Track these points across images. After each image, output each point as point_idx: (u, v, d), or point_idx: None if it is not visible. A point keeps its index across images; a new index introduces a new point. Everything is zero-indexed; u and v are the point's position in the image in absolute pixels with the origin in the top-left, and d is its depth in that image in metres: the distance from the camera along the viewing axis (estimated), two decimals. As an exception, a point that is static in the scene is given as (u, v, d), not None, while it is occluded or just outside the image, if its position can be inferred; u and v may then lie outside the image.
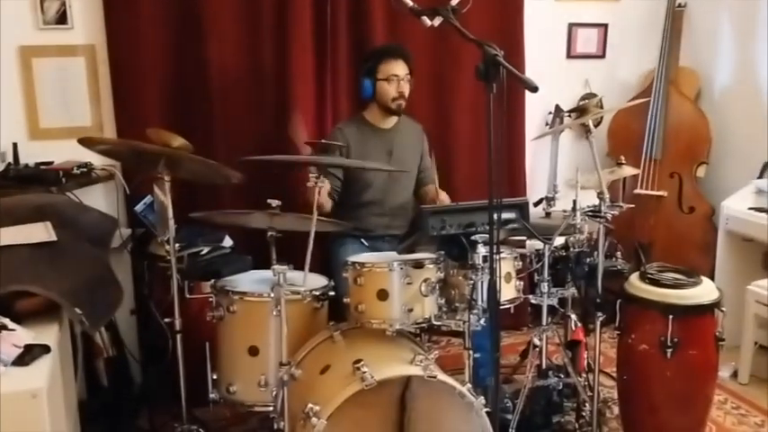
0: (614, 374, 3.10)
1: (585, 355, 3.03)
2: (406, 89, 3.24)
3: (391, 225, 3.32)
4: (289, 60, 3.47)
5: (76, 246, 2.44)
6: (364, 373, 2.14)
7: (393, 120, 3.35)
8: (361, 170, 3.11)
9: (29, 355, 1.87)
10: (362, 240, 3.27)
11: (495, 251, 2.04)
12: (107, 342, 2.95)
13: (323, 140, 2.71)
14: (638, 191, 4.06)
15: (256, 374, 2.53)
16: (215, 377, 2.63)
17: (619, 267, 2.98)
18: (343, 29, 3.57)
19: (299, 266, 2.40)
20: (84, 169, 3.10)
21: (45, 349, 1.93)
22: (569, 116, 3.92)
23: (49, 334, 2.05)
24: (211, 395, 2.62)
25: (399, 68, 3.21)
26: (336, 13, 3.53)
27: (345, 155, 3.18)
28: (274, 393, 2.40)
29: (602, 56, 4.30)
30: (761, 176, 3.81)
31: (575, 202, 2.77)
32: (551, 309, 2.86)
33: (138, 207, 3.09)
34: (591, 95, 4.19)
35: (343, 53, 3.59)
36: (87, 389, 2.88)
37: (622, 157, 3.19)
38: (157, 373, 2.92)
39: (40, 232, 2.33)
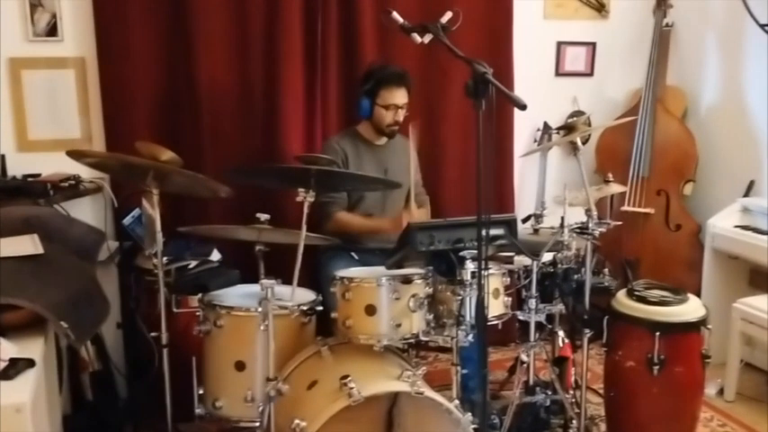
0: (601, 391, 3.10)
1: (573, 372, 3.03)
2: (402, 117, 3.27)
3: (383, 239, 3.31)
4: (278, 75, 3.48)
5: (63, 259, 2.42)
6: (351, 388, 2.13)
7: (385, 137, 3.36)
8: (357, 183, 3.12)
9: (13, 368, 1.86)
10: (353, 254, 3.27)
11: (483, 267, 2.04)
12: (92, 356, 2.93)
13: (322, 156, 2.71)
14: (625, 208, 4.08)
15: (243, 390, 2.51)
16: (201, 392, 2.60)
17: (606, 284, 3.00)
18: (334, 44, 3.58)
19: (287, 281, 2.40)
20: (73, 182, 3.08)
21: (29, 363, 1.91)
22: (557, 133, 3.94)
23: (33, 347, 2.03)
24: (197, 410, 2.59)
25: (400, 97, 3.23)
26: (326, 29, 3.54)
27: (344, 168, 3.20)
28: (261, 409, 2.38)
29: (591, 74, 4.33)
30: (747, 195, 3.84)
31: (562, 218, 2.78)
32: (539, 325, 2.87)
33: (126, 220, 3.08)
34: (579, 113, 4.22)
35: (333, 69, 3.60)
36: (72, 403, 2.86)
37: (610, 175, 3.22)
38: (143, 388, 2.89)
39: (27, 245, 2.31)
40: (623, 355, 2.79)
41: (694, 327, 2.74)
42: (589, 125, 4.00)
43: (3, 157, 3.14)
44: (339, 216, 3.23)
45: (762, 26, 3.50)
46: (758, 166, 3.84)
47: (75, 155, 2.56)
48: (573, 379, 3.03)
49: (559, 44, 4.24)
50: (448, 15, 2.29)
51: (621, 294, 2.88)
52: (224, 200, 2.74)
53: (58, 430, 2.32)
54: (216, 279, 2.94)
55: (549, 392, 2.90)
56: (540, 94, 4.02)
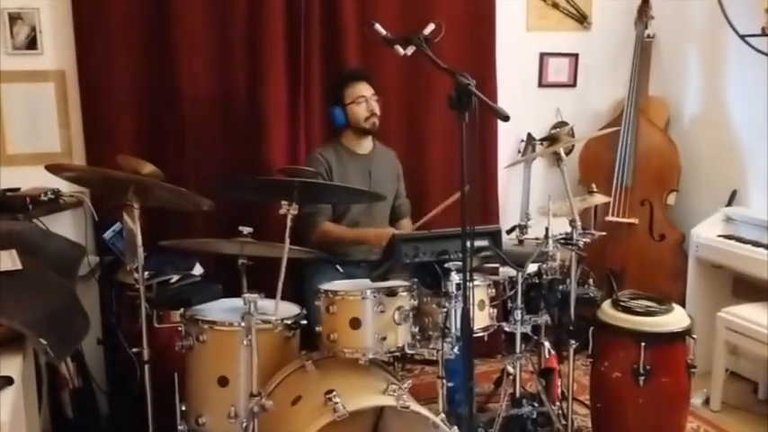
0: (588, 402, 3.10)
1: (559, 383, 3.03)
2: (377, 107, 3.29)
3: (368, 251, 3.30)
4: (261, 88, 3.47)
5: (42, 274, 2.39)
6: (336, 403, 2.11)
7: (369, 145, 3.38)
8: (341, 195, 3.10)
9: (-10, 387, 1.82)
10: (338, 267, 3.24)
11: (468, 279, 2.03)
12: (73, 373, 2.88)
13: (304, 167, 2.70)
14: (609, 218, 4.09)
15: (226, 406, 2.48)
16: (184, 408, 2.57)
17: (591, 295, 2.99)
18: (317, 57, 3.57)
19: (270, 294, 2.38)
20: (53, 196, 3.04)
21: (8, 381, 1.87)
22: (541, 144, 3.95)
23: (12, 365, 1.99)
24: (180, 427, 2.56)
25: (365, 89, 3.28)
26: (310, 42, 3.53)
27: (328, 179, 3.19)
28: (244, 425, 2.35)
29: (573, 85, 4.36)
30: (729, 204, 3.87)
31: (547, 229, 2.78)
32: (525, 336, 2.86)
33: (107, 234, 3.05)
34: (562, 124, 4.24)
35: (317, 81, 3.59)
36: (52, 421, 2.81)
37: (593, 185, 3.23)
38: (125, 405, 2.86)
39: (5, 261, 2.28)
40: (609, 366, 2.79)
41: (679, 337, 2.75)
42: (572, 136, 4.01)
43: (-19, 171, 3.10)
44: (324, 227, 3.22)
45: (742, 37, 3.54)
46: (740, 176, 3.87)
47: (55, 169, 2.53)
48: (559, 390, 3.02)
49: (542, 55, 4.26)
50: (430, 27, 2.29)
51: (606, 305, 2.89)
52: (206, 213, 2.72)
53: (36, 450, 2.28)
54: (198, 293, 2.90)
55: (536, 404, 2.89)
56: (523, 105, 4.03)
